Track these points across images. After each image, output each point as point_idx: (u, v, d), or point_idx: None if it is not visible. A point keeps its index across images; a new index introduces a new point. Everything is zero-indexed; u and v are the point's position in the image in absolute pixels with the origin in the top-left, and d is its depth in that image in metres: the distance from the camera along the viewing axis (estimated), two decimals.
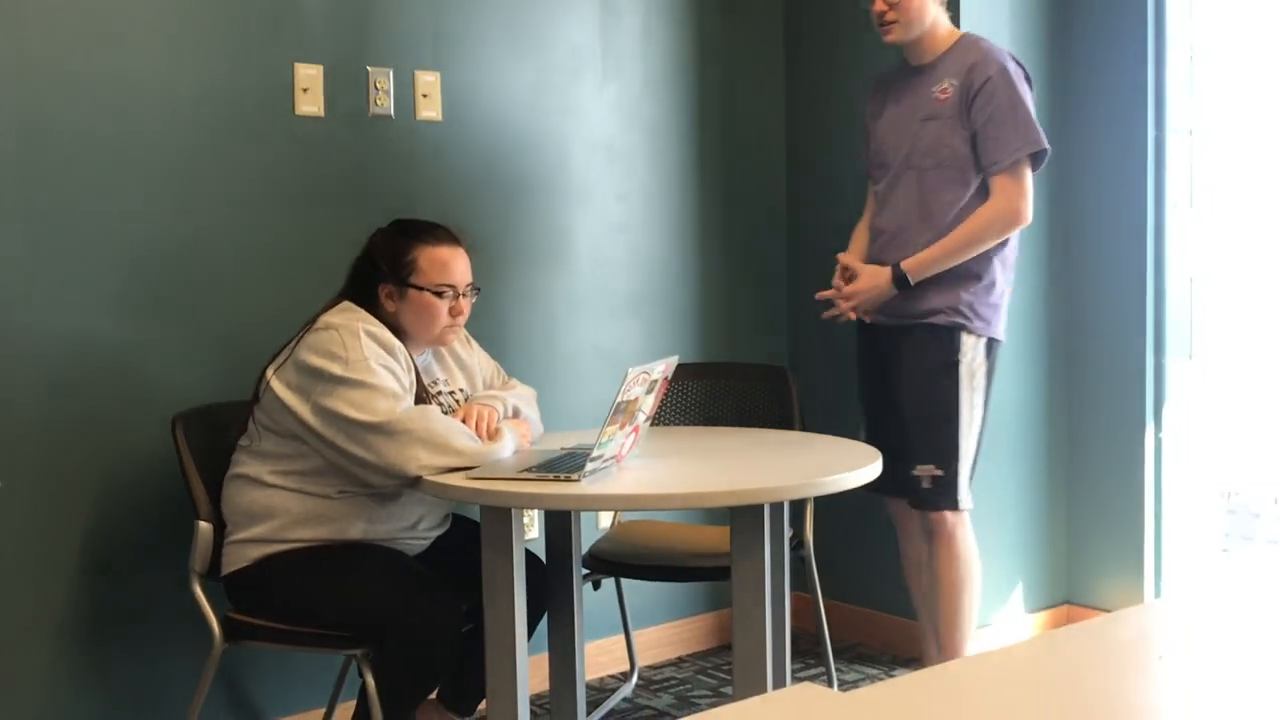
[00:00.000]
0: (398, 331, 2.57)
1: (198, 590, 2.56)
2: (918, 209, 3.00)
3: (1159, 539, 3.70)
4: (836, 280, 3.11)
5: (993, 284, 3.02)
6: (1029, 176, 2.96)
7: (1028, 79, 3.00)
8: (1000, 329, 3.07)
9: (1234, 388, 3.78)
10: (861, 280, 3.05)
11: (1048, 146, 2.95)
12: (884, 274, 3.00)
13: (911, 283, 2.98)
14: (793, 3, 3.91)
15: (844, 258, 3.12)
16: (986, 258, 2.99)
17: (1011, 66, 2.96)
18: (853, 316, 3.08)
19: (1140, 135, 3.63)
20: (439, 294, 2.58)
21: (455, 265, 2.61)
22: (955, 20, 3.43)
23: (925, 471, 2.99)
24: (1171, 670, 1.24)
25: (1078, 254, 3.78)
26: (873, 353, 3.16)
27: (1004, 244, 3.02)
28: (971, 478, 3.06)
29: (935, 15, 3.02)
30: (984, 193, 2.97)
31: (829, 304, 3.15)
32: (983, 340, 3.02)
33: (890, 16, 2.97)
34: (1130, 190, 3.66)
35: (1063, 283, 3.80)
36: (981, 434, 3.07)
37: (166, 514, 2.79)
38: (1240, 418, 3.78)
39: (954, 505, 3.01)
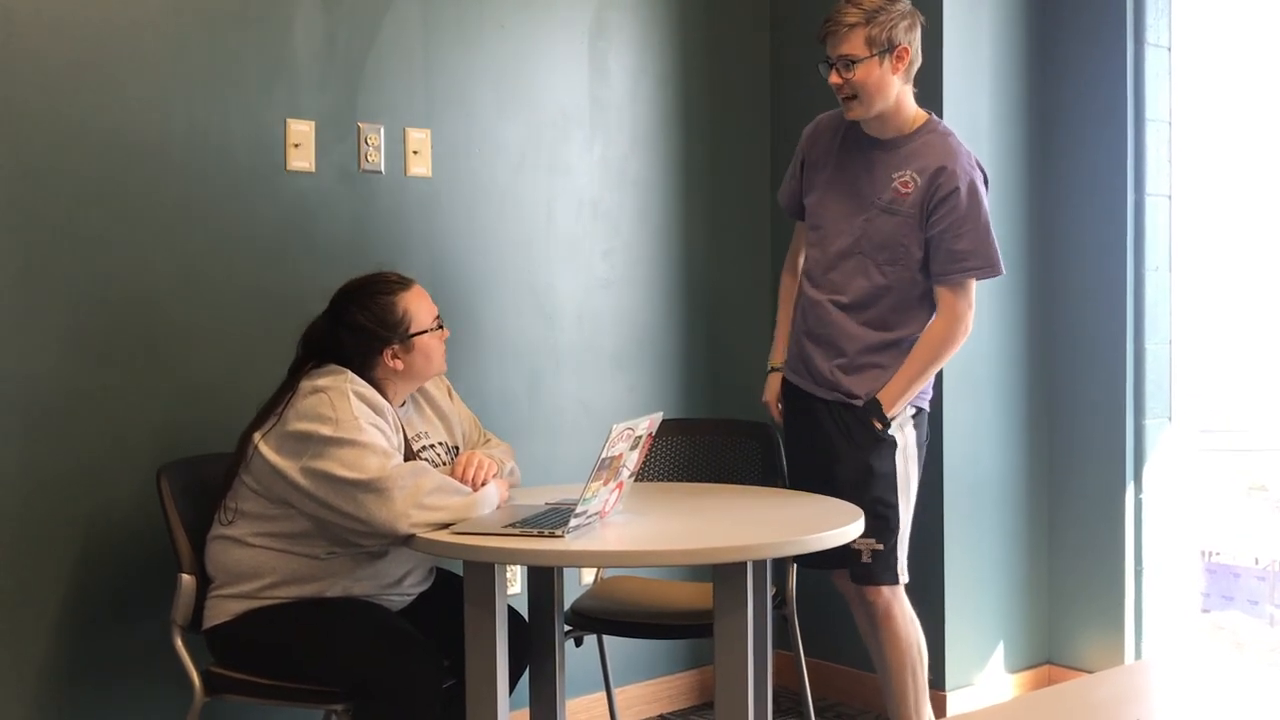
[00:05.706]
0: (382, 390, 2.58)
1: (179, 643, 2.55)
2: (876, 317, 2.97)
3: (1139, 599, 3.72)
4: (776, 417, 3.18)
5: None
6: (973, 287, 2.95)
7: (985, 183, 2.97)
8: (925, 399, 3.04)
9: (1214, 449, 3.82)
10: None
11: (1003, 270, 2.95)
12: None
13: (890, 419, 2.93)
14: (779, 63, 3.96)
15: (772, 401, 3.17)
16: (909, 342, 2.97)
17: (979, 178, 2.93)
18: None
19: (1120, 200, 3.69)
20: (435, 328, 2.64)
21: (427, 297, 2.66)
22: (939, 102, 3.50)
23: (865, 545, 2.92)
24: None
25: (1057, 318, 3.82)
26: (799, 419, 3.11)
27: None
28: (906, 550, 3.01)
29: (900, 91, 2.92)
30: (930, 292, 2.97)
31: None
32: (909, 411, 2.99)
33: (847, 92, 2.90)
34: (1109, 254, 3.70)
35: (1043, 346, 3.84)
36: (914, 506, 3.03)
37: (148, 566, 2.78)
38: (1219, 478, 3.82)
39: (893, 579, 2.97)
